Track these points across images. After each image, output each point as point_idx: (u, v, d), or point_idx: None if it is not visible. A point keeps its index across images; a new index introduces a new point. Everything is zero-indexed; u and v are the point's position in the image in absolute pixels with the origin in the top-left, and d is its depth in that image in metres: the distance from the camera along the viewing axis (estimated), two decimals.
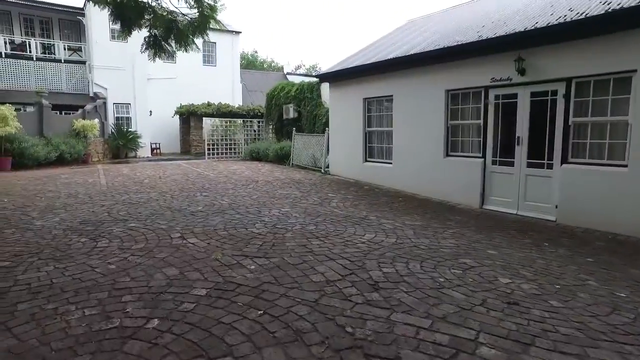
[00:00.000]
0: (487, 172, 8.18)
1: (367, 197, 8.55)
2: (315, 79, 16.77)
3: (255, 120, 19.94)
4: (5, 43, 20.35)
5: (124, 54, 21.26)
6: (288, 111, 17.09)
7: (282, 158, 15.47)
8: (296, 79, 35.10)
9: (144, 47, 7.13)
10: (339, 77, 11.80)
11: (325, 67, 57.25)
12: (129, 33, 6.61)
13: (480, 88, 8.20)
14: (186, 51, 7.21)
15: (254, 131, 19.52)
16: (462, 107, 8.70)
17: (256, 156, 17.19)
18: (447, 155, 8.98)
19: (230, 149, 18.91)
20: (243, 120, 19.37)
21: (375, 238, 5.00)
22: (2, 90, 19.27)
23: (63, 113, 19.22)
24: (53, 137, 15.05)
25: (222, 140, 18.61)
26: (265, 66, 43.55)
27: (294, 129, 15.19)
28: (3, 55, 20.06)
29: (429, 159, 9.23)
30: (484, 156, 8.23)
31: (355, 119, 11.32)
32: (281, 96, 17.92)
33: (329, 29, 74.89)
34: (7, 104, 13.22)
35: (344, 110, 11.83)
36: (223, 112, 22.51)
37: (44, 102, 15.26)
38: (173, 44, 7.11)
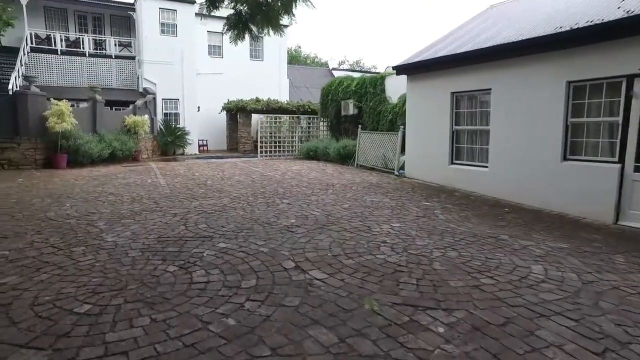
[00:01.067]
0: (627, 181, 6.60)
1: (467, 207, 7.15)
2: (377, 74, 15.47)
3: (304, 117, 18.76)
4: (61, 40, 20.15)
5: (173, 48, 20.68)
6: (347, 107, 15.85)
7: (344, 158, 14.25)
8: (342, 74, 33.95)
9: (226, 27, 6.08)
10: (420, 69, 10.41)
11: (369, 62, 55.60)
12: (214, 8, 5.54)
13: (621, 78, 6.63)
14: (273, 32, 6.09)
15: (307, 128, 18.37)
16: (590, 101, 7.14)
17: (313, 155, 16.04)
18: (566, 159, 7.44)
19: (283, 147, 17.87)
20: (298, 117, 18.26)
21: (551, 273, 3.65)
22: (58, 87, 19.07)
23: (113, 109, 18.78)
24: (106, 134, 14.46)
25: (274, 137, 17.58)
26: (308, 62, 42.47)
27: (360, 126, 13.92)
28: (59, 52, 19.86)
29: (540, 162, 7.71)
30: (621, 161, 6.65)
31: (440, 115, 9.92)
32: (339, 91, 16.69)
33: (370, 24, 73.08)
34: (64, 100, 12.65)
35: (424, 106, 10.45)
36: (273, 108, 21.54)
37: (98, 97, 14.70)
38: (256, 26, 6.00)
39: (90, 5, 21.23)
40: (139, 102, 17.79)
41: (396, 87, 13.90)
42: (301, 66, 35.10)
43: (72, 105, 15.63)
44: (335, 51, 71.44)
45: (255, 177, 10.29)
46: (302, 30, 67.36)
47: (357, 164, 13.49)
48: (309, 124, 18.39)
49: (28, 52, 19.25)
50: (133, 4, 21.40)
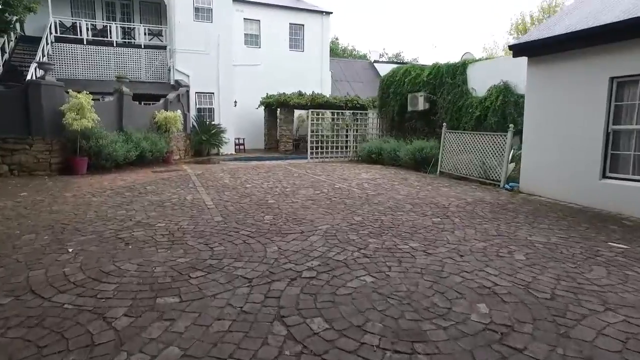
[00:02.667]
0: None
1: None
2: (456, 61, 12.66)
3: (362, 113, 16.06)
4: (87, 29, 18.19)
5: (208, 36, 18.39)
6: (416, 101, 13.13)
7: (419, 163, 11.54)
8: (385, 68, 31.00)
9: None
10: (553, 47, 7.57)
11: (409, 55, 52.07)
12: None
13: None
14: None
15: (363, 126, 15.69)
16: None
17: (376, 158, 13.38)
18: None
19: (336, 147, 15.27)
20: (353, 113, 15.62)
21: None
22: (83, 80, 17.13)
23: (142, 104, 16.65)
24: (133, 132, 12.23)
25: (327, 137, 15.01)
26: (346, 54, 39.73)
27: (444, 124, 11.16)
28: (85, 42, 17.89)
29: None
30: None
31: (584, 110, 7.10)
32: (404, 82, 13.97)
33: (406, 15, 69.48)
34: (84, 91, 10.42)
35: (557, 97, 7.61)
36: (318, 103, 19.02)
37: (125, 89, 12.46)
38: None
39: None
40: (171, 96, 15.56)
41: (482, 77, 11.16)
42: (341, 59, 32.38)
43: (98, 99, 13.56)
44: (373, 44, 68.07)
45: (327, 190, 7.73)
46: (339, 21, 64.31)
47: (439, 171, 10.77)
48: (362, 121, 15.69)
49: (52, 42, 17.34)
50: None
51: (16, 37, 17.39)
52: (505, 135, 8.88)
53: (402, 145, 12.49)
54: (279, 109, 19.80)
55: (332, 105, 18.78)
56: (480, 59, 12.51)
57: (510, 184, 8.56)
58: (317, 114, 15.32)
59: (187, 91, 17.76)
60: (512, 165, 8.93)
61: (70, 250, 3.96)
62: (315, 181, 8.96)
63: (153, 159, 12.68)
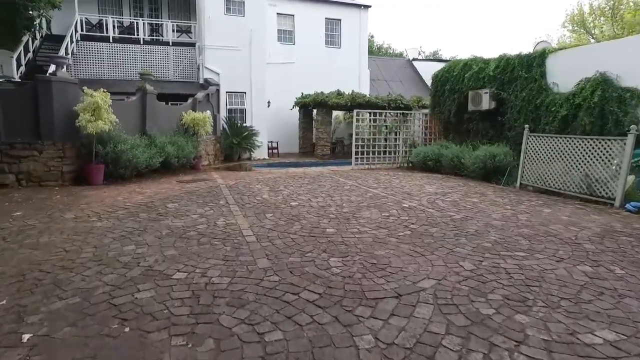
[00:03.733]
0: None
1: None
2: (530, 52, 10.62)
3: (393, 113, 14.09)
4: (113, 26, 17.10)
5: (240, 31, 16.96)
6: (478, 99, 11.19)
7: (491, 173, 9.60)
8: (424, 66, 28.89)
9: None
10: None
11: (447, 53, 49.29)
12: None
13: None
14: None
15: (413, 128, 13.80)
16: None
17: (432, 165, 11.49)
18: None
19: (383, 152, 13.44)
20: (403, 114, 13.73)
21: None
22: (109, 80, 15.99)
23: (169, 104, 15.36)
24: (158, 135, 10.83)
25: (373, 140, 13.19)
26: (381, 52, 37.76)
27: (526, 126, 9.17)
28: (111, 40, 16.79)
29: None
30: None
31: None
32: (464, 78, 12.02)
33: (444, 11, 66.67)
34: (101, 89, 9.02)
35: None
36: (359, 103, 17.27)
37: (148, 87, 11.07)
38: None
39: None
40: (200, 95, 14.14)
41: (566, 69, 9.24)
42: (377, 57, 30.48)
43: (122, 99, 12.28)
44: (409, 41, 65.34)
45: (396, 211, 5.94)
46: (373, 18, 62.10)
47: (519, 183, 8.79)
48: (410, 122, 13.76)
49: (77, 40, 16.31)
50: None
51: (42, 36, 16.48)
52: (622, 141, 6.86)
53: (467, 151, 10.55)
54: (315, 110, 18.14)
55: (374, 105, 16.98)
56: (563, 47, 10.45)
57: (632, 203, 6.54)
58: (362, 115, 13.55)
59: (217, 90, 16.36)
60: (632, 178, 6.91)
61: (24, 339, 2.34)
62: (374, 197, 7.18)
63: (179, 166, 11.26)
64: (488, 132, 11.41)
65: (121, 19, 17.85)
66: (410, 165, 12.79)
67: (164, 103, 15.06)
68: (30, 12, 13.60)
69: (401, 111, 13.65)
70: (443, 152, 11.18)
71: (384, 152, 13.37)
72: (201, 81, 16.93)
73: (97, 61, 16.60)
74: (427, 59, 32.05)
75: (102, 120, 8.54)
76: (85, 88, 8.82)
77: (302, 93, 18.99)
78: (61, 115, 8.60)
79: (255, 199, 6.86)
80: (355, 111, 12.95)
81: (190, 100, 13.62)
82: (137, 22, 17.47)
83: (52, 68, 10.81)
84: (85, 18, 16.99)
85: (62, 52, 14.58)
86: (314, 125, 18.64)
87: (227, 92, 17.09)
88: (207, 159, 14.34)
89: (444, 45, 64.36)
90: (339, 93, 17.82)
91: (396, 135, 13.50)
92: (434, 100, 13.60)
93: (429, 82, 27.64)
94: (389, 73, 27.66)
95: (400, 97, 18.57)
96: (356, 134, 12.91)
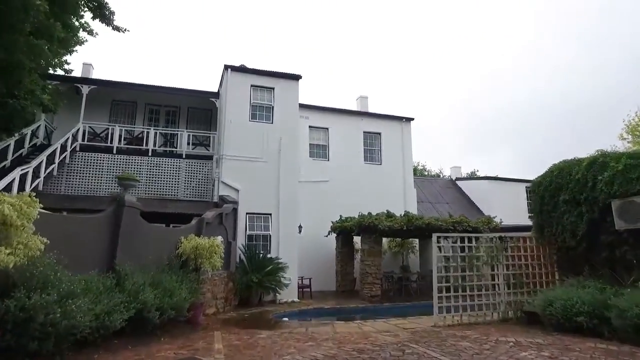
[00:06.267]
0: None
1: None
2: None
3: (486, 237, 9.71)
4: (120, 136, 14.53)
5: (266, 140, 14.05)
6: (636, 211, 7.01)
7: None
8: (470, 186, 25.40)
9: None
10: None
11: (485, 171, 46.44)
12: None
13: None
14: None
15: (522, 260, 9.27)
16: None
17: (587, 324, 6.67)
18: None
19: (477, 295, 8.76)
20: (500, 239, 9.36)
21: None
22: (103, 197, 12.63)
23: (171, 226, 11.57)
24: (135, 271, 6.70)
25: (460, 277, 8.66)
26: (416, 173, 35.00)
27: None
28: (114, 151, 13.99)
29: None
30: None
31: None
32: (597, 181, 8.02)
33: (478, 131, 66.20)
34: (29, 195, 5.18)
35: None
36: (417, 227, 13.23)
37: (129, 198, 7.31)
38: None
39: (166, 93, 15.97)
40: (209, 215, 10.31)
41: None
42: (417, 177, 27.44)
43: (87, 215, 8.46)
44: (444, 160, 63.22)
45: None
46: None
47: None
48: (486, 248, 9.26)
49: (76, 150, 13.52)
50: (217, 92, 15.82)
51: (33, 145, 13.83)
52: None
53: None
54: (360, 236, 14.02)
55: (436, 228, 12.88)
56: None
57: None
58: (442, 241, 9.30)
59: (235, 210, 12.67)
60: None
61: None
62: None
63: (166, 321, 6.88)
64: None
65: (132, 128, 15.35)
66: (522, 316, 8.09)
67: (163, 225, 11.31)
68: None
69: (498, 234, 9.32)
70: (613, 300, 6.47)
71: (476, 295, 8.73)
72: (215, 199, 13.40)
73: (94, 174, 13.50)
74: (472, 178, 28.78)
75: (11, 246, 4.51)
76: None
77: (340, 216, 15.16)
78: None
79: None
80: (435, 235, 8.72)
81: (194, 220, 9.75)
82: (147, 132, 14.84)
83: None
84: (90, 127, 14.48)
85: (42, 163, 11.45)
86: (359, 257, 14.33)
87: (247, 213, 13.37)
88: (214, 305, 9.89)
89: (482, 165, 61.33)
90: (389, 214, 13.89)
91: (492, 269, 9.00)
92: (538, 219, 9.43)
93: (478, 202, 24.13)
94: (432, 194, 24.21)
95: (465, 218, 14.55)
96: (438, 269, 8.46)
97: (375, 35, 69.49)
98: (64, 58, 16.71)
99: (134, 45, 61.56)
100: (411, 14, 67.95)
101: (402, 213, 14.48)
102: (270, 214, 13.67)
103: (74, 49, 15.58)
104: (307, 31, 71.30)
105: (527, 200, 22.78)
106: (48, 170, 11.51)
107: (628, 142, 25.39)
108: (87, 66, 17.39)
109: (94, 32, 14.85)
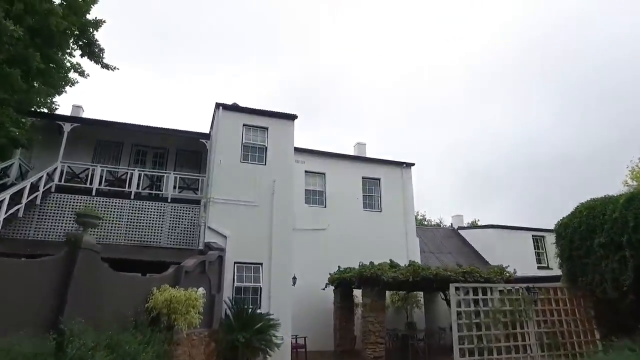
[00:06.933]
0: None
1: None
2: None
3: (508, 289, 8.41)
4: (101, 178, 13.44)
5: (259, 181, 12.98)
6: None
7: None
8: (473, 235, 24.20)
9: None
10: None
11: (486, 220, 45.05)
12: None
13: None
14: None
15: (554, 318, 7.92)
16: None
17: None
18: None
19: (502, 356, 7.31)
20: (528, 289, 8.05)
21: None
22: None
23: (148, 275, 10.16)
24: (86, 332, 5.32)
25: (486, 338, 7.28)
26: (416, 222, 33.76)
27: None
28: (94, 192, 12.83)
29: None
30: None
31: None
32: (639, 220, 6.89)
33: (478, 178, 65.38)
34: None
35: None
36: (424, 278, 11.88)
37: (87, 240, 6.06)
38: None
39: (153, 132, 15.08)
40: (189, 264, 8.95)
41: None
42: (418, 227, 26.25)
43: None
44: (441, 209, 61.65)
45: None
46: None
47: None
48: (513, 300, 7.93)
49: (51, 192, 12.36)
50: (208, 133, 14.98)
51: (3, 183, 12.62)
52: None
53: None
54: (361, 289, 12.59)
55: (445, 279, 11.57)
56: None
57: None
58: (464, 293, 7.98)
59: (221, 258, 11.30)
60: None
61: None
62: None
63: None
64: None
65: (115, 169, 14.26)
66: None
67: (138, 274, 9.93)
68: None
69: (525, 285, 8.03)
70: None
71: (506, 359, 7.27)
72: (201, 246, 12.08)
73: (69, 217, 12.22)
74: (476, 226, 27.58)
75: None
76: None
77: (339, 267, 13.80)
78: None
79: None
80: (452, 286, 7.45)
81: (171, 269, 8.38)
82: (131, 173, 13.75)
83: None
84: (68, 166, 13.39)
85: (4, 203, 10.21)
86: (358, 312, 12.82)
87: (235, 262, 12.02)
88: None
89: (483, 214, 59.64)
90: (392, 264, 12.58)
91: (525, 326, 7.61)
92: (569, 265, 8.22)
93: (483, 252, 22.75)
94: (434, 244, 22.90)
95: (476, 268, 13.25)
96: (458, 326, 7.08)
97: (369, 83, 70.97)
98: (54, 99, 16.07)
99: (124, 87, 62.16)
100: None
101: (406, 263, 13.16)
102: (261, 264, 12.30)
103: (64, 89, 14.93)
104: (301, 76, 72.81)
105: (535, 249, 21.58)
106: (11, 212, 10.23)
107: (633, 188, 24.66)
108: (76, 108, 16.72)
109: (85, 73, 14.29)
